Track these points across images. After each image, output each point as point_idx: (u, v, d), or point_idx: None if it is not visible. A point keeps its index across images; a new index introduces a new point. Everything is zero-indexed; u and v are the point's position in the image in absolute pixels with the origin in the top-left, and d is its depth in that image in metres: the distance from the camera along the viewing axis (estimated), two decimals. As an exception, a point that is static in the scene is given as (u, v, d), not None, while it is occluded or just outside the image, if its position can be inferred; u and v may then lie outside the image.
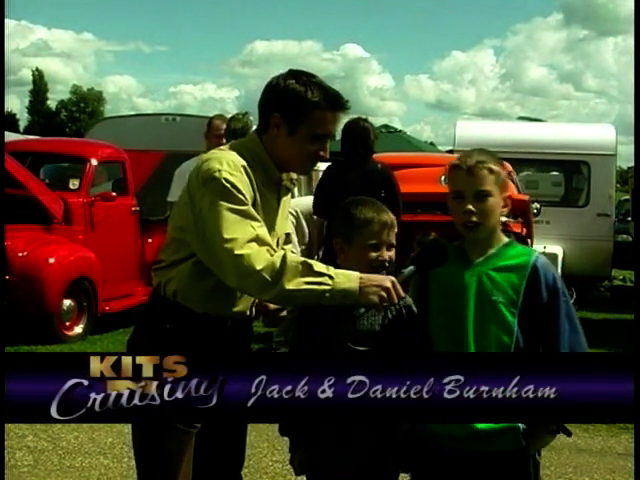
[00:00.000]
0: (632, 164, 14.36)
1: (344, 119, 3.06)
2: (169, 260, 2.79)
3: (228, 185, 2.61)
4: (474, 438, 2.61)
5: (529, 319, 2.65)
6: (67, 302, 8.49)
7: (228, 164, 2.66)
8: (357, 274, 2.58)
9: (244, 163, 2.69)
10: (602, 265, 12.39)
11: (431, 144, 33.45)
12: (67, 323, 8.52)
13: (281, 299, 2.61)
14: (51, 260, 8.36)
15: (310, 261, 2.60)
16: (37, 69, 74.94)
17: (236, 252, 2.52)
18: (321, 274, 2.52)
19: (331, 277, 2.52)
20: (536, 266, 2.66)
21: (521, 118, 22.08)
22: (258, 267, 2.51)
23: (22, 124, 66.50)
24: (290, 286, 2.50)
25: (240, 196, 2.62)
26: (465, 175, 2.66)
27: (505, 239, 2.74)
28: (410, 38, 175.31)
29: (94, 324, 8.83)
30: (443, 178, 8.20)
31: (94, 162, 9.41)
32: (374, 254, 2.75)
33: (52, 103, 73.70)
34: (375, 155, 10.34)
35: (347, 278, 2.54)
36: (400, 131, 23.15)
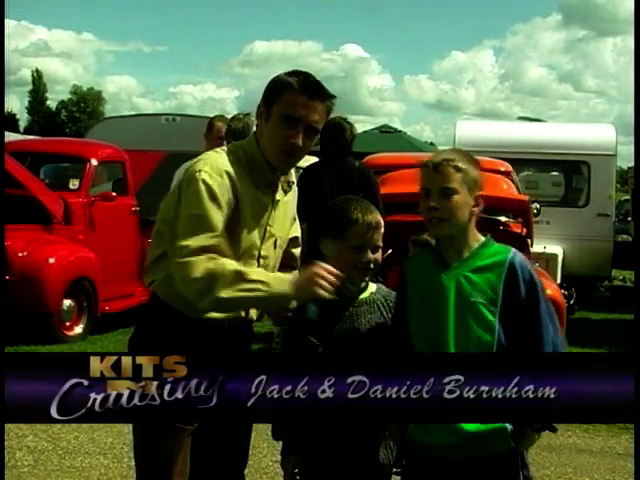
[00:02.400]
0: (632, 164, 14.36)
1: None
2: (153, 256, 2.82)
3: (203, 188, 2.62)
4: (463, 444, 2.59)
5: (510, 316, 2.64)
6: (67, 302, 8.50)
7: (211, 166, 2.68)
8: (291, 276, 2.60)
9: (228, 167, 2.69)
10: (602, 265, 12.38)
11: (431, 144, 33.42)
12: (67, 323, 8.52)
13: (217, 306, 2.64)
14: (51, 260, 8.36)
15: (246, 270, 2.60)
16: (36, 69, 75.10)
17: (181, 260, 2.58)
18: (255, 281, 2.55)
19: (264, 282, 2.55)
20: (513, 263, 2.65)
21: (521, 118, 22.06)
22: (195, 276, 2.54)
23: (22, 124, 66.54)
24: (224, 295, 2.54)
25: (210, 203, 2.62)
26: (431, 172, 2.66)
27: (481, 238, 2.72)
28: (410, 38, 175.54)
29: (94, 324, 8.83)
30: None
31: (94, 162, 9.41)
32: (358, 256, 2.74)
33: (52, 103, 73.83)
34: (375, 155, 10.43)
35: (280, 281, 2.57)
36: (400, 131, 23.15)
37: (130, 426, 2.86)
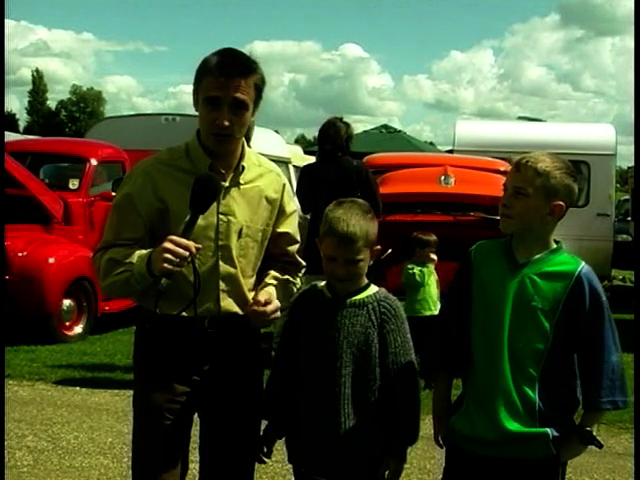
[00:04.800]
0: (631, 164, 14.36)
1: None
2: None
3: (119, 194, 2.77)
4: (504, 442, 2.59)
5: (568, 328, 2.59)
6: (67, 302, 8.48)
7: (135, 170, 2.79)
8: (151, 250, 2.61)
9: (151, 167, 2.75)
10: (602, 265, 12.33)
11: (431, 144, 33.51)
12: (67, 323, 8.50)
13: (110, 293, 2.86)
14: (51, 260, 8.34)
15: (123, 255, 2.65)
16: (37, 70, 75.26)
17: (93, 257, 2.77)
18: (124, 264, 2.65)
19: (131, 264, 2.63)
20: (580, 276, 2.59)
21: (521, 118, 22.07)
22: (95, 269, 2.76)
23: (22, 124, 66.60)
24: (106, 282, 2.71)
25: (119, 209, 2.74)
26: (513, 171, 2.68)
27: (553, 245, 2.67)
28: (409, 38, 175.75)
29: (94, 324, 8.82)
30: (443, 178, 8.27)
31: (94, 162, 9.41)
32: (331, 266, 2.71)
33: (52, 103, 73.92)
34: (374, 155, 10.43)
35: (142, 259, 2.62)
36: (400, 131, 23.19)
37: (130, 426, 2.87)
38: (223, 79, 2.64)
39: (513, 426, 2.58)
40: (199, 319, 2.72)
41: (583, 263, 2.65)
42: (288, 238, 2.95)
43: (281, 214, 2.90)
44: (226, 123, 2.65)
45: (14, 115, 67.58)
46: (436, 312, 6.72)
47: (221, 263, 2.74)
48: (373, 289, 2.79)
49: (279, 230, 2.91)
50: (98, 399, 6.32)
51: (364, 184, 6.38)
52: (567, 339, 2.61)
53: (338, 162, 6.43)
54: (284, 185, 2.92)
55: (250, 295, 2.82)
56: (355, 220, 2.68)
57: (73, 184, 9.26)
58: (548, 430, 2.59)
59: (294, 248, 2.99)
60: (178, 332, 2.73)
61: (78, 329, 8.63)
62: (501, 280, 2.64)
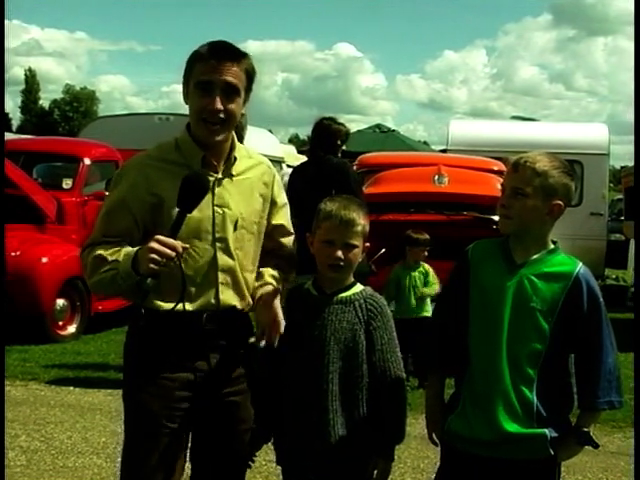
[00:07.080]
0: (624, 163, 14.39)
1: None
2: None
3: (116, 191, 2.74)
4: (503, 442, 2.59)
5: (566, 329, 2.59)
6: (60, 302, 8.45)
7: (126, 167, 2.78)
8: (137, 248, 2.57)
9: (143, 163, 2.73)
10: (595, 264, 12.35)
11: (424, 143, 33.56)
12: (60, 323, 8.48)
13: (97, 291, 2.82)
14: (44, 260, 8.31)
15: (109, 252, 2.63)
16: (30, 69, 75.10)
17: (81, 254, 2.74)
18: (111, 262, 2.61)
19: (117, 261, 2.60)
20: (579, 277, 2.59)
21: (514, 117, 22.12)
22: (82, 266, 2.74)
23: (15, 123, 66.46)
24: (93, 280, 2.68)
25: (110, 205, 2.73)
26: (511, 171, 2.64)
27: (551, 245, 2.66)
28: (402, 37, 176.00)
29: (87, 324, 8.79)
30: (436, 178, 8.27)
31: (87, 161, 9.39)
32: (328, 251, 2.72)
33: (45, 102, 73.76)
34: (368, 154, 10.43)
35: (128, 257, 2.58)
36: (393, 131, 23.19)
37: (124, 427, 2.85)
38: (214, 61, 2.63)
39: (511, 427, 2.58)
40: (197, 314, 2.70)
41: (580, 264, 2.65)
42: (282, 230, 2.95)
43: (273, 205, 2.90)
44: (219, 106, 2.63)
45: (7, 114, 67.45)
46: (427, 314, 6.70)
47: (219, 255, 2.72)
48: (359, 287, 2.80)
49: (274, 222, 2.90)
50: (91, 399, 6.31)
51: (341, 181, 6.33)
52: (565, 340, 2.61)
53: (320, 161, 6.45)
54: (274, 176, 2.91)
55: (249, 291, 2.81)
56: (354, 208, 2.76)
57: (66, 183, 9.24)
58: (546, 431, 2.59)
59: (288, 240, 2.98)
60: (175, 328, 2.70)
61: (71, 329, 8.61)
62: (499, 280, 2.63)
